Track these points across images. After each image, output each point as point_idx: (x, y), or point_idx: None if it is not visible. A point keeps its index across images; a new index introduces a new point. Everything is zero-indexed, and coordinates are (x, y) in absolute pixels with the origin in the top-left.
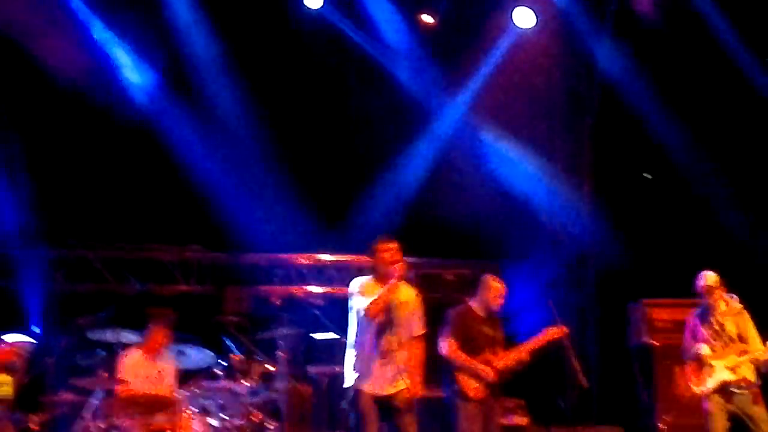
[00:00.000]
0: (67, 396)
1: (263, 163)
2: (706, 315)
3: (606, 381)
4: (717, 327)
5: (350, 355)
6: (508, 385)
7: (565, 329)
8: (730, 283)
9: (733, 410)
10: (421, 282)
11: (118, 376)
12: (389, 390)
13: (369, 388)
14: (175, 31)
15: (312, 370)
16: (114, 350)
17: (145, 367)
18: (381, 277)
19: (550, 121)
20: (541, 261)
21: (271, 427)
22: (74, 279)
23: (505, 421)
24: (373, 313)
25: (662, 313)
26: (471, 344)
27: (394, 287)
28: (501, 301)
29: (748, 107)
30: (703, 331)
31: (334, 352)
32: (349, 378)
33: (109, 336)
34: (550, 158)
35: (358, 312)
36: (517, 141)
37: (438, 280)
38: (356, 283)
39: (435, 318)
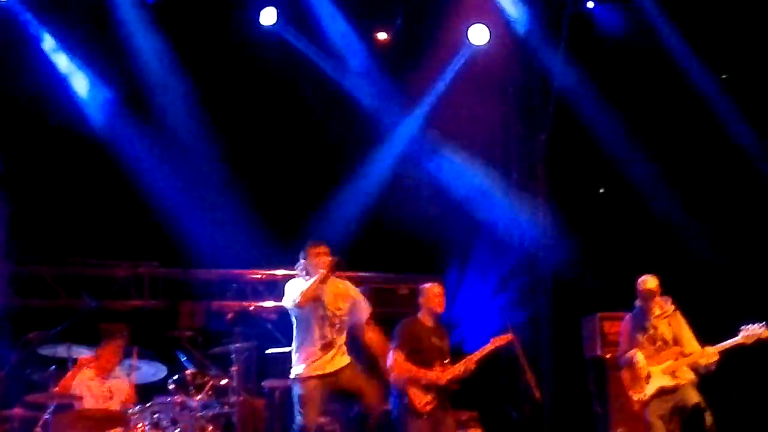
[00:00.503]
0: (19, 411)
1: (217, 179)
2: (640, 319)
3: (560, 393)
4: (652, 331)
5: (295, 351)
6: (461, 396)
7: (510, 336)
8: (686, 295)
9: (673, 406)
10: (375, 297)
11: (70, 391)
12: (330, 368)
13: (312, 371)
14: (129, 48)
15: (265, 384)
16: (66, 366)
17: (96, 385)
18: (318, 279)
19: (504, 136)
20: (496, 273)
21: None
22: (27, 294)
23: None
24: (302, 301)
25: (616, 326)
26: (421, 356)
27: (323, 276)
28: (442, 300)
29: (700, 121)
30: (638, 337)
31: (287, 365)
32: (295, 370)
33: (61, 351)
34: (504, 172)
35: (293, 308)
36: (472, 156)
37: (392, 294)
38: (289, 285)
39: (386, 333)
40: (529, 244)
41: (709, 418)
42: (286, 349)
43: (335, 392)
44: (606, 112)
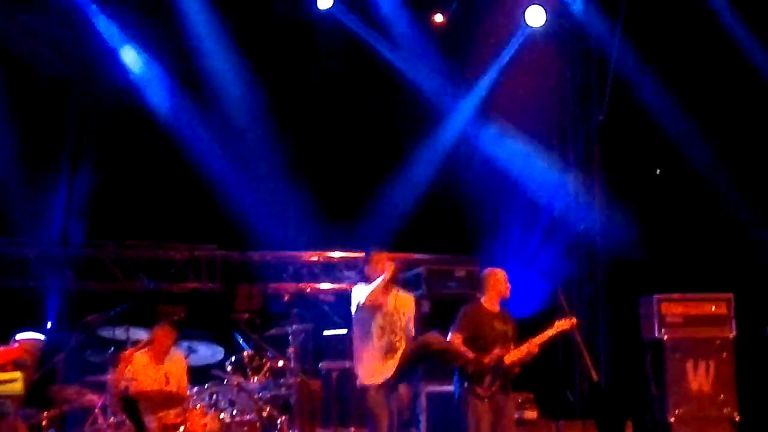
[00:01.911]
0: (78, 392)
1: (274, 162)
2: None
3: (616, 375)
4: None
5: (356, 358)
6: (518, 379)
7: (574, 321)
8: (744, 276)
9: None
10: (431, 278)
11: (127, 375)
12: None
13: (373, 380)
14: (187, 29)
15: (322, 365)
16: (125, 348)
17: (152, 369)
18: (381, 287)
19: (561, 117)
20: (553, 256)
21: (281, 422)
22: (86, 277)
23: (517, 415)
24: (366, 302)
25: (674, 308)
26: (482, 341)
27: (388, 278)
28: (508, 287)
29: (759, 101)
30: None
31: (344, 347)
32: (359, 377)
33: (119, 333)
34: (561, 154)
35: (359, 310)
36: (529, 138)
37: (448, 276)
38: (354, 291)
39: (445, 314)
40: (586, 226)
41: None
42: (343, 331)
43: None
44: (663, 92)
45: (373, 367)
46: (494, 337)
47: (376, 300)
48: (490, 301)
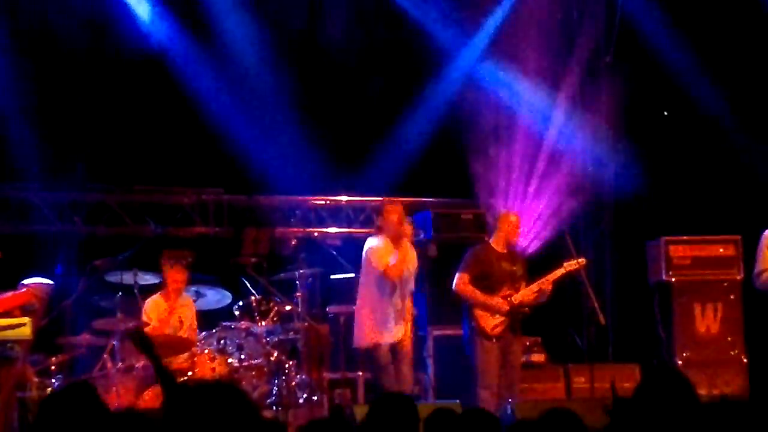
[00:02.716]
0: (86, 338)
1: (281, 105)
2: None
3: (624, 318)
4: None
5: (365, 315)
6: (525, 322)
7: (583, 261)
8: (751, 220)
9: None
10: (438, 221)
11: (142, 318)
12: (397, 336)
13: (385, 339)
14: None
15: (330, 309)
16: (133, 292)
17: (166, 311)
18: (392, 238)
19: (568, 60)
20: (560, 198)
21: (289, 366)
22: (92, 222)
23: (523, 358)
24: (393, 275)
25: (681, 250)
26: (489, 280)
27: (409, 242)
28: (517, 230)
29: None
30: None
31: (352, 291)
32: (366, 336)
33: (127, 278)
34: (567, 97)
35: (375, 273)
36: (534, 81)
37: (455, 219)
38: (371, 247)
39: (453, 257)
40: (592, 168)
41: None
42: (350, 275)
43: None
44: (671, 34)
45: (386, 326)
46: (502, 277)
47: (397, 276)
48: (498, 243)
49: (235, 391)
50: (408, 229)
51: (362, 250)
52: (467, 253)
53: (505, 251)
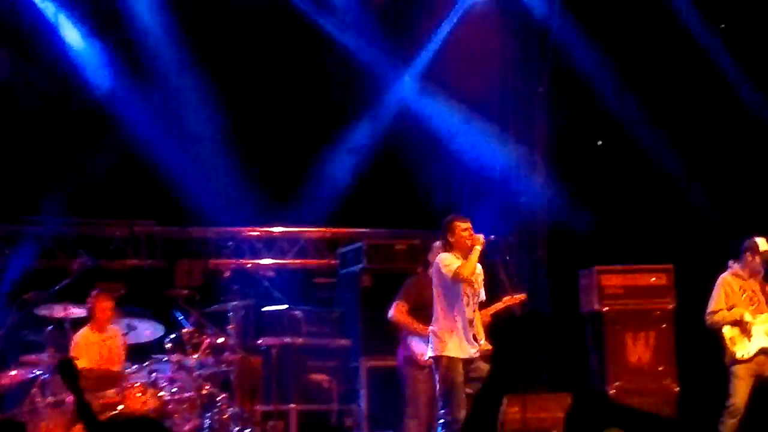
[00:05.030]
0: (15, 372)
1: (214, 137)
2: (742, 279)
3: (556, 347)
4: (750, 292)
5: (442, 325)
6: None
7: (523, 296)
8: (685, 249)
9: (760, 374)
10: (372, 253)
11: (70, 353)
12: (471, 353)
13: (458, 353)
14: (124, 4)
15: (262, 341)
16: (63, 326)
17: (96, 344)
18: (463, 252)
19: (502, 89)
20: (494, 228)
21: (221, 399)
22: (24, 255)
23: None
24: (462, 275)
25: (614, 280)
26: (426, 310)
27: (481, 249)
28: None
29: (698, 71)
30: (740, 296)
31: (284, 323)
32: (440, 347)
33: (57, 312)
34: (502, 126)
35: (446, 282)
36: (470, 110)
37: (388, 250)
38: (443, 259)
39: (386, 288)
40: (526, 197)
41: None
42: (283, 307)
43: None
44: (604, 64)
45: (461, 339)
46: None
47: (467, 276)
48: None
49: (157, 428)
50: (477, 237)
51: (295, 281)
52: (406, 282)
53: None
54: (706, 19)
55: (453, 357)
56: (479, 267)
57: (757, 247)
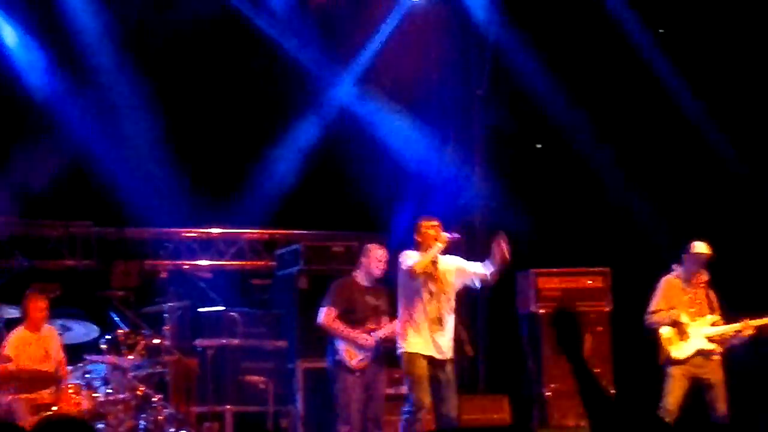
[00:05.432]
0: None
1: (150, 138)
2: (683, 282)
3: (494, 349)
4: (692, 295)
5: (402, 321)
6: (390, 355)
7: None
8: (621, 252)
9: (697, 375)
10: (310, 254)
11: (3, 352)
12: (437, 355)
13: (420, 349)
14: (61, 4)
15: (198, 343)
16: None
17: (31, 344)
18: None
19: (442, 92)
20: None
21: (156, 400)
22: None
23: (391, 390)
24: (415, 270)
25: (550, 282)
26: (353, 315)
27: (441, 249)
28: (383, 266)
29: (636, 75)
30: (680, 298)
31: (221, 324)
32: (401, 343)
33: None
34: (441, 128)
35: (405, 277)
36: (409, 112)
37: (326, 252)
38: (404, 255)
39: (324, 290)
40: (465, 199)
41: (723, 405)
42: (219, 308)
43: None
44: (544, 67)
45: (422, 336)
46: (366, 312)
47: (428, 268)
48: (362, 276)
49: (85, 430)
50: (441, 234)
51: (232, 283)
52: (332, 287)
53: (368, 285)
54: (645, 23)
55: (413, 352)
56: (454, 265)
57: (694, 250)
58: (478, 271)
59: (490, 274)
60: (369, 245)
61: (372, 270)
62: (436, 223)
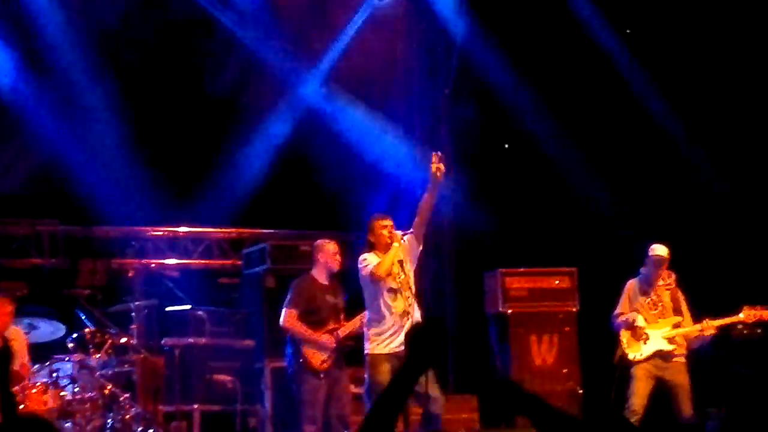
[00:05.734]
0: None
1: (117, 136)
2: (645, 284)
3: (463, 349)
4: (654, 297)
5: (368, 323)
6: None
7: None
8: (589, 252)
9: (660, 377)
10: (276, 254)
11: None
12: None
13: (381, 350)
14: (27, 4)
15: (165, 341)
16: None
17: None
18: (385, 250)
19: (407, 92)
20: (399, 229)
21: (124, 399)
22: None
23: (357, 389)
24: (378, 274)
25: (518, 282)
26: (315, 315)
27: (396, 251)
28: (339, 258)
29: (602, 75)
30: (641, 300)
31: (188, 323)
32: (365, 344)
33: None
34: (408, 128)
35: (367, 281)
36: (375, 112)
37: (293, 251)
38: (363, 260)
39: (288, 289)
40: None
41: (688, 407)
42: (186, 307)
43: None
44: (511, 67)
45: (391, 332)
46: (326, 312)
47: (388, 271)
48: (319, 274)
49: (47, 429)
50: (397, 235)
51: (199, 281)
52: (292, 287)
53: (326, 282)
54: (611, 24)
55: (375, 354)
56: (404, 247)
57: (652, 252)
58: (420, 218)
59: (428, 196)
60: (319, 242)
61: (331, 265)
62: (389, 222)
